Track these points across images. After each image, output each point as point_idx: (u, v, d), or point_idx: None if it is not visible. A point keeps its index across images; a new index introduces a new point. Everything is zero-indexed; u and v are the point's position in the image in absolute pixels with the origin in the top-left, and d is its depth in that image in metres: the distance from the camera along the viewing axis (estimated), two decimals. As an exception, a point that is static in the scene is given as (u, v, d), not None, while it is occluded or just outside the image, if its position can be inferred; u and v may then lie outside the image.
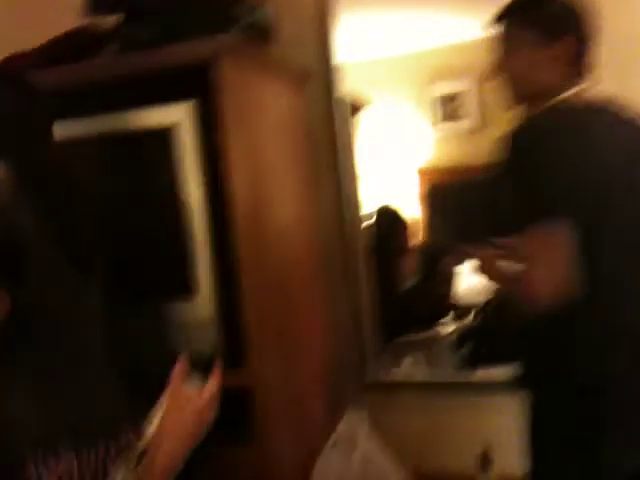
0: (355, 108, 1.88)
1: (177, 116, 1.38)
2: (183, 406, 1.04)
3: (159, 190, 1.43)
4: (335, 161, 1.82)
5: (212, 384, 1.08)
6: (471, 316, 1.90)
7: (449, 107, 1.89)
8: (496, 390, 1.71)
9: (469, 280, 1.90)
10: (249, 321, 1.40)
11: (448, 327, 1.93)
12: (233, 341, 1.42)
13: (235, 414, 1.45)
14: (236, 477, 1.43)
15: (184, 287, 1.41)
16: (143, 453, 1.02)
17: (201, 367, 1.10)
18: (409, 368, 1.87)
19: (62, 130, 1.26)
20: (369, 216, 1.93)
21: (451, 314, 1.94)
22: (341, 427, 1.51)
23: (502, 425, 1.67)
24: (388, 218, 1.93)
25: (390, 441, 1.55)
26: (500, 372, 1.69)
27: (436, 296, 1.93)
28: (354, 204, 1.85)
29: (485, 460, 1.47)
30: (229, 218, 1.37)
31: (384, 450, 1.51)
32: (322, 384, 1.77)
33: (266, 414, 1.41)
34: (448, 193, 1.91)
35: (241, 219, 1.38)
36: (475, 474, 1.48)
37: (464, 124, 1.89)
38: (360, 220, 1.88)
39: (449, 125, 1.90)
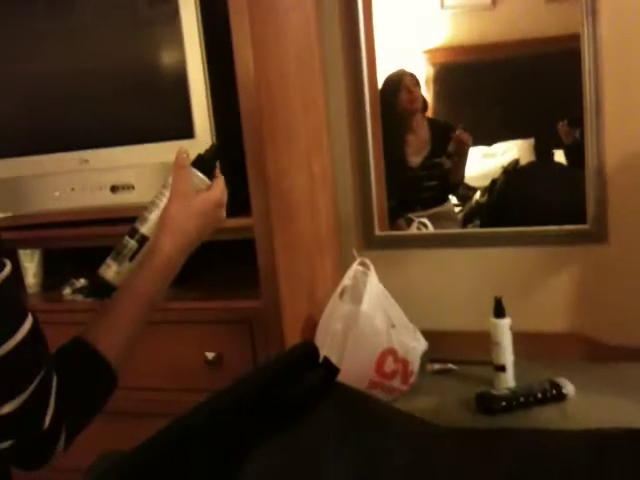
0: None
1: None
2: (189, 197, 0.97)
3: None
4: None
5: (218, 182, 1.02)
6: (477, 195, 1.87)
7: None
8: (507, 242, 1.68)
9: (475, 162, 1.86)
10: (250, 168, 1.36)
11: (454, 206, 1.91)
12: (234, 189, 1.40)
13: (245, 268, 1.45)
14: (248, 330, 1.41)
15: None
16: (143, 240, 0.97)
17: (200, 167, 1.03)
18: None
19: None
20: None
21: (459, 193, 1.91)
22: (347, 279, 1.48)
23: (513, 277, 1.65)
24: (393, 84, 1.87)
25: (399, 295, 1.52)
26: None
27: (446, 172, 1.88)
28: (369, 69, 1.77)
29: (499, 308, 1.44)
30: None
31: (391, 301, 1.48)
32: (330, 239, 1.74)
33: (271, 266, 1.39)
34: (459, 73, 1.87)
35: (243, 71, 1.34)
36: (489, 326, 1.45)
37: (476, 1, 1.81)
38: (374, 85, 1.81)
39: (460, 1, 1.82)
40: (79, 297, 1.56)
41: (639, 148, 1.56)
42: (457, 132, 1.83)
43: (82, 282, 1.61)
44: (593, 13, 1.52)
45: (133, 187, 1.47)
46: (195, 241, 0.99)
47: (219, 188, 1.02)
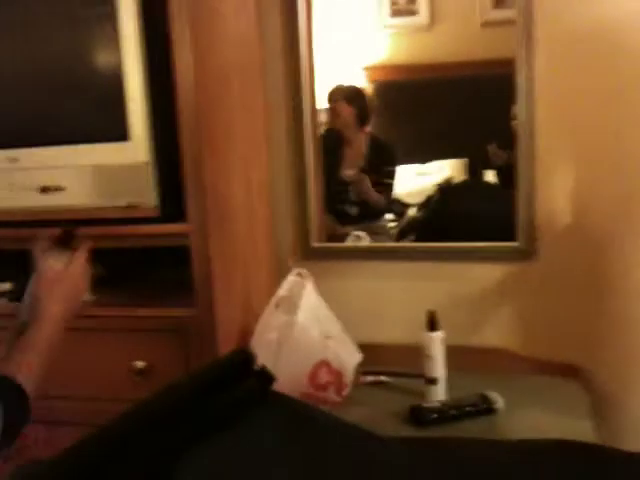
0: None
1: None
2: (53, 278, 1.06)
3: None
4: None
5: (79, 255, 1.11)
6: (411, 211, 1.90)
7: (399, 2, 1.84)
8: (440, 256, 1.71)
9: (410, 179, 1.90)
10: (186, 173, 1.34)
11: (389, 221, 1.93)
12: (169, 192, 1.38)
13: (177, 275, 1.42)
14: (181, 339, 1.39)
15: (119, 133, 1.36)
16: (23, 327, 1.01)
17: (61, 242, 1.13)
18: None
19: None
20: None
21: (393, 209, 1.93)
22: (283, 289, 1.47)
23: (446, 291, 1.68)
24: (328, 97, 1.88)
25: (334, 306, 1.52)
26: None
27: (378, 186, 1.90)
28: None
29: (432, 321, 1.45)
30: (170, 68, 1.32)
31: (327, 312, 1.48)
32: (266, 248, 1.73)
33: (206, 273, 1.36)
34: (396, 91, 1.90)
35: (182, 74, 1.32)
36: (421, 339, 1.46)
37: (414, 20, 1.84)
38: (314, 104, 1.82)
39: (398, 21, 1.85)
40: (3, 301, 1.49)
41: (569, 171, 1.62)
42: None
43: (7, 286, 1.54)
44: (527, 38, 1.57)
45: (64, 189, 1.42)
46: (61, 316, 1.06)
47: (79, 263, 1.11)
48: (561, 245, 1.63)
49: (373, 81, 1.90)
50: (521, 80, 1.60)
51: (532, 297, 1.66)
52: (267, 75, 1.75)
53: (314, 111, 1.79)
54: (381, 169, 1.90)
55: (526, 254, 1.64)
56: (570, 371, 1.59)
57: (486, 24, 1.75)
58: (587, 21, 1.54)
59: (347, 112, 1.89)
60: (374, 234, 1.87)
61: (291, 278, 1.48)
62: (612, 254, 1.60)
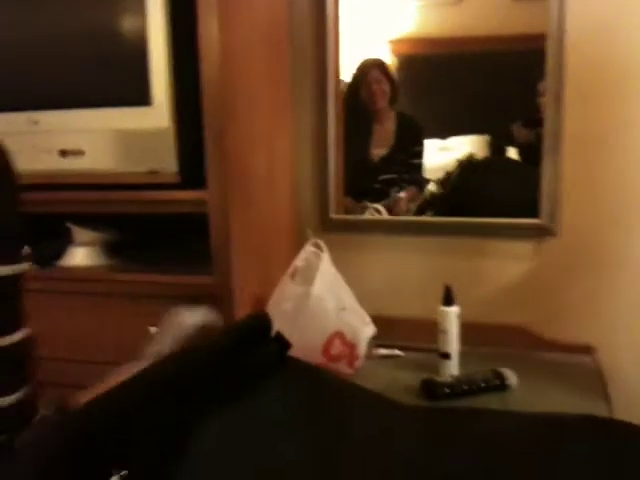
0: None
1: None
2: None
3: None
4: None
5: None
6: (431, 186, 1.88)
7: None
8: (458, 231, 1.70)
9: (431, 154, 1.87)
10: (208, 140, 1.33)
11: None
12: (191, 159, 1.38)
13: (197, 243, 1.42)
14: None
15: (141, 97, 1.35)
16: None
17: None
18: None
19: None
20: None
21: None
22: (299, 259, 1.47)
23: (464, 267, 1.67)
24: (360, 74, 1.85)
25: (351, 279, 1.51)
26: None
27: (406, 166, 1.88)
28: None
29: (448, 296, 1.45)
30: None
31: (343, 284, 1.48)
32: (286, 219, 1.73)
33: (225, 242, 1.36)
34: (422, 65, 1.87)
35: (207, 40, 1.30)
36: (437, 314, 1.46)
37: None
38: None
39: None
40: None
41: (596, 147, 1.60)
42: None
43: (26, 250, 1.55)
44: (560, 13, 1.55)
45: (83, 153, 1.42)
46: None
47: None
48: (584, 223, 1.61)
49: (398, 54, 1.87)
50: (552, 55, 1.57)
51: (553, 275, 1.65)
52: (293, 44, 1.73)
53: (338, 82, 1.77)
54: (410, 149, 1.88)
55: (548, 231, 1.63)
56: (586, 350, 1.58)
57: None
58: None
59: (382, 89, 1.87)
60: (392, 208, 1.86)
61: (308, 249, 1.48)
62: (634, 231, 1.59)
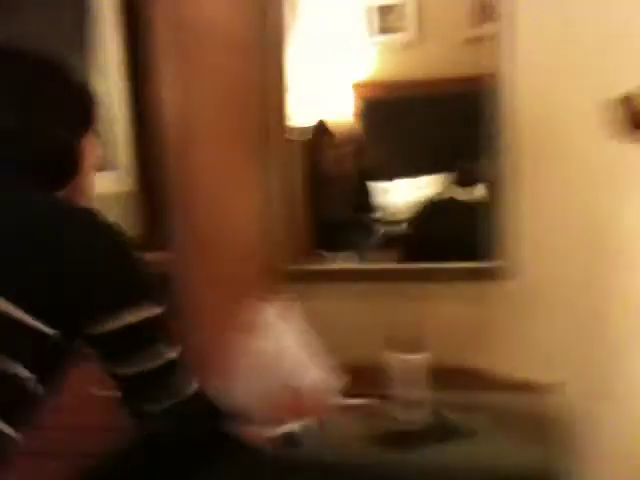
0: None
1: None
2: None
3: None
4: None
5: None
6: (396, 227, 1.93)
7: (387, 18, 1.85)
8: (429, 277, 1.75)
9: (395, 195, 1.93)
10: (171, 200, 1.37)
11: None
12: (153, 221, 1.41)
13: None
14: None
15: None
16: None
17: None
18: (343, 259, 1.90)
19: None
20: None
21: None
22: (261, 313, 1.49)
23: (436, 313, 1.72)
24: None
25: (314, 329, 1.54)
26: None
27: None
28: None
29: (410, 344, 1.48)
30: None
31: (308, 337, 1.50)
32: (251, 270, 1.75)
33: (188, 300, 1.39)
34: (386, 109, 1.91)
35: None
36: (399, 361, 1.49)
37: (402, 37, 1.85)
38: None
39: (386, 37, 1.86)
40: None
41: (552, 187, 1.65)
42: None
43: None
44: (509, 53, 1.60)
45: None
46: None
47: None
48: (537, 264, 1.65)
49: (362, 98, 1.91)
50: (503, 95, 1.63)
51: (511, 316, 1.69)
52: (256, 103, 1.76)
53: (294, 140, 1.81)
54: (368, 208, 1.93)
55: (499, 272, 1.67)
56: (547, 390, 1.61)
57: (468, 41, 1.78)
58: (568, 34, 1.58)
59: (342, 151, 1.91)
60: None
61: (271, 302, 1.50)
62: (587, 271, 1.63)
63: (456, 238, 1.82)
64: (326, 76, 1.88)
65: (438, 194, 1.89)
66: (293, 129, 1.80)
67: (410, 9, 1.83)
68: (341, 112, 1.91)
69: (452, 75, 1.80)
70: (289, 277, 1.79)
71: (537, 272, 1.66)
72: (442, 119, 1.85)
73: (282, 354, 1.41)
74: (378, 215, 1.93)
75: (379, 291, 1.77)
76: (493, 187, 1.70)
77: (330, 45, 1.86)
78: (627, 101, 1.26)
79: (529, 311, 1.68)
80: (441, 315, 1.72)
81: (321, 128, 1.89)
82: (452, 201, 1.88)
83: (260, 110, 1.74)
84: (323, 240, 1.90)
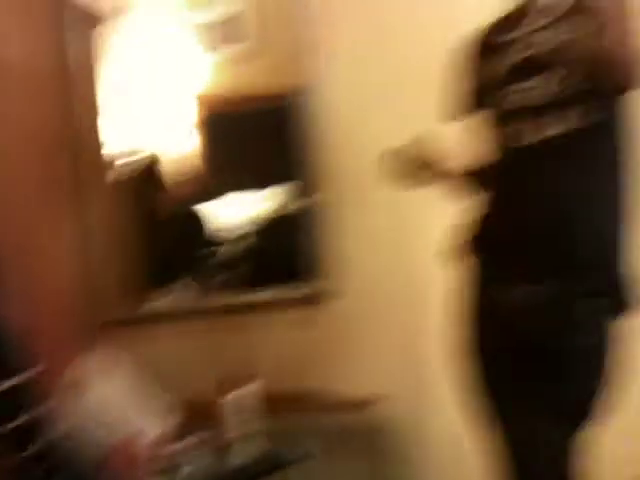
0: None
1: None
2: None
3: None
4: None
5: None
6: (238, 241, 1.90)
7: (226, 29, 1.80)
8: (258, 308, 1.77)
9: (228, 211, 1.90)
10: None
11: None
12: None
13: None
14: None
15: None
16: None
17: None
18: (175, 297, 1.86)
19: None
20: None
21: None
22: (85, 365, 1.46)
23: (267, 342, 1.74)
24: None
25: (153, 370, 1.53)
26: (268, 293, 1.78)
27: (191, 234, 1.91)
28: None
29: (247, 376, 1.50)
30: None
31: (137, 382, 1.48)
32: (72, 321, 1.70)
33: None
34: (228, 122, 1.86)
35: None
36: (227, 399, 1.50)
37: (243, 47, 1.81)
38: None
39: (226, 49, 1.81)
40: None
41: (367, 209, 1.69)
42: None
43: None
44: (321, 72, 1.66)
45: None
46: None
47: None
48: (365, 284, 1.71)
49: (203, 111, 1.86)
50: (313, 107, 1.67)
51: (338, 336, 1.73)
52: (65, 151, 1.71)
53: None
54: (203, 237, 1.89)
55: (329, 295, 1.71)
56: (376, 405, 1.67)
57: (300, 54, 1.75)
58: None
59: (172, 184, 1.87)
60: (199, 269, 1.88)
61: (94, 353, 1.47)
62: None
63: (285, 258, 1.83)
64: (164, 91, 1.83)
65: (272, 211, 1.87)
66: (117, 167, 1.75)
67: (249, 20, 1.80)
68: (175, 139, 1.86)
69: (287, 87, 1.78)
70: (119, 323, 1.75)
71: (360, 293, 1.71)
72: (275, 132, 1.81)
73: (106, 406, 1.39)
74: (216, 239, 1.89)
75: (211, 326, 1.77)
76: (314, 208, 1.72)
77: (164, 57, 1.81)
78: (398, 154, 1.29)
79: (354, 331, 1.73)
80: (273, 343, 1.74)
81: (151, 161, 1.85)
82: (283, 219, 1.87)
83: (73, 154, 1.68)
84: (159, 278, 1.86)
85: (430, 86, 1.39)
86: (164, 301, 1.83)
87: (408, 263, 1.69)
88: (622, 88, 1.07)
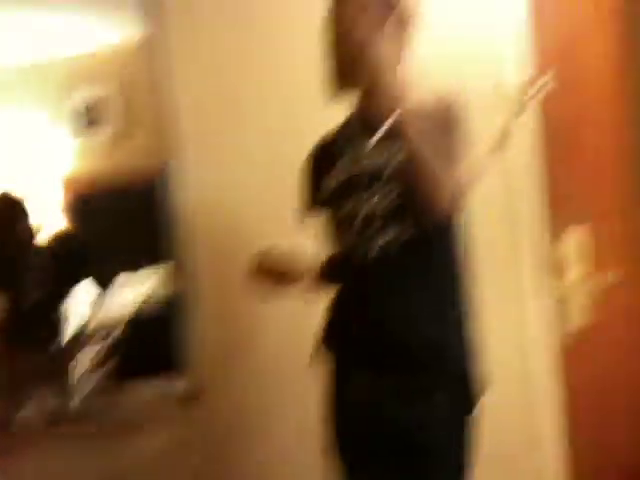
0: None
1: None
2: None
3: None
4: None
5: None
6: (115, 332, 1.81)
7: (91, 114, 1.80)
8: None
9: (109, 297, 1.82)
10: None
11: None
12: None
13: None
14: None
15: None
16: None
17: None
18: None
19: None
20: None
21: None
22: None
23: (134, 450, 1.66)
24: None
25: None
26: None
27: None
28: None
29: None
30: None
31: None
32: None
33: None
34: (97, 203, 1.82)
35: None
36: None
37: (107, 131, 1.81)
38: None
39: (92, 133, 1.81)
40: None
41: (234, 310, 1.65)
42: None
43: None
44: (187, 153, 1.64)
45: None
46: None
47: None
48: (225, 386, 1.65)
49: (70, 193, 1.82)
50: (178, 188, 1.65)
51: (204, 438, 1.67)
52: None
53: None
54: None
55: (193, 396, 1.64)
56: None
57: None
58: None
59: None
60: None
61: None
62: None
63: (155, 350, 1.76)
64: (30, 175, 1.79)
65: (141, 297, 1.81)
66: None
67: (115, 104, 1.80)
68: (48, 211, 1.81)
69: (154, 169, 1.74)
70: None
71: (222, 395, 1.65)
72: (143, 214, 1.78)
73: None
74: (86, 331, 1.81)
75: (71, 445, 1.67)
76: (184, 294, 1.67)
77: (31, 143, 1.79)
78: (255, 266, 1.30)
79: (220, 432, 1.67)
80: (141, 451, 1.66)
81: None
82: (151, 309, 1.80)
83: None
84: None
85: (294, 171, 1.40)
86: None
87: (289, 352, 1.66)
88: (430, 211, 1.10)
